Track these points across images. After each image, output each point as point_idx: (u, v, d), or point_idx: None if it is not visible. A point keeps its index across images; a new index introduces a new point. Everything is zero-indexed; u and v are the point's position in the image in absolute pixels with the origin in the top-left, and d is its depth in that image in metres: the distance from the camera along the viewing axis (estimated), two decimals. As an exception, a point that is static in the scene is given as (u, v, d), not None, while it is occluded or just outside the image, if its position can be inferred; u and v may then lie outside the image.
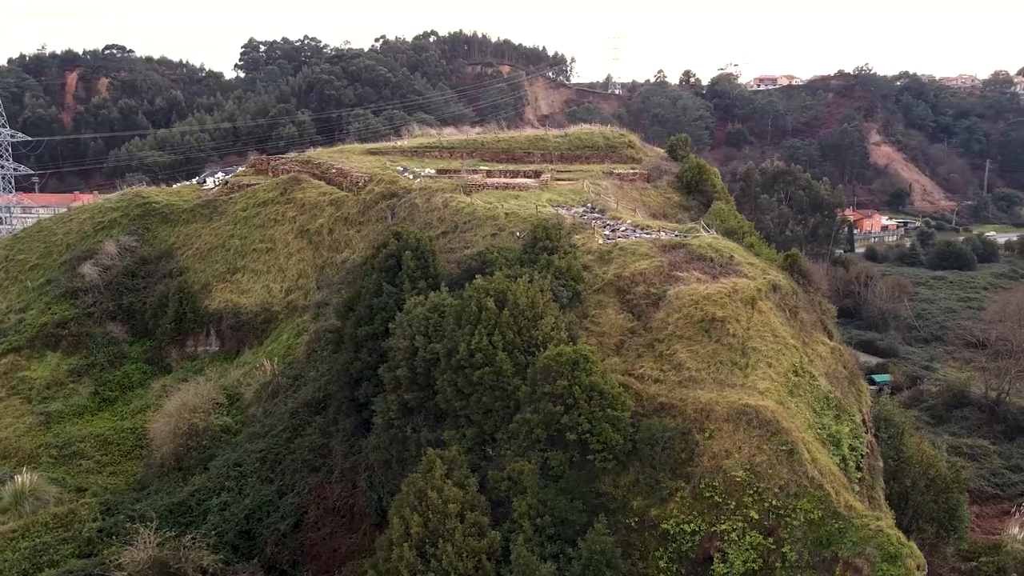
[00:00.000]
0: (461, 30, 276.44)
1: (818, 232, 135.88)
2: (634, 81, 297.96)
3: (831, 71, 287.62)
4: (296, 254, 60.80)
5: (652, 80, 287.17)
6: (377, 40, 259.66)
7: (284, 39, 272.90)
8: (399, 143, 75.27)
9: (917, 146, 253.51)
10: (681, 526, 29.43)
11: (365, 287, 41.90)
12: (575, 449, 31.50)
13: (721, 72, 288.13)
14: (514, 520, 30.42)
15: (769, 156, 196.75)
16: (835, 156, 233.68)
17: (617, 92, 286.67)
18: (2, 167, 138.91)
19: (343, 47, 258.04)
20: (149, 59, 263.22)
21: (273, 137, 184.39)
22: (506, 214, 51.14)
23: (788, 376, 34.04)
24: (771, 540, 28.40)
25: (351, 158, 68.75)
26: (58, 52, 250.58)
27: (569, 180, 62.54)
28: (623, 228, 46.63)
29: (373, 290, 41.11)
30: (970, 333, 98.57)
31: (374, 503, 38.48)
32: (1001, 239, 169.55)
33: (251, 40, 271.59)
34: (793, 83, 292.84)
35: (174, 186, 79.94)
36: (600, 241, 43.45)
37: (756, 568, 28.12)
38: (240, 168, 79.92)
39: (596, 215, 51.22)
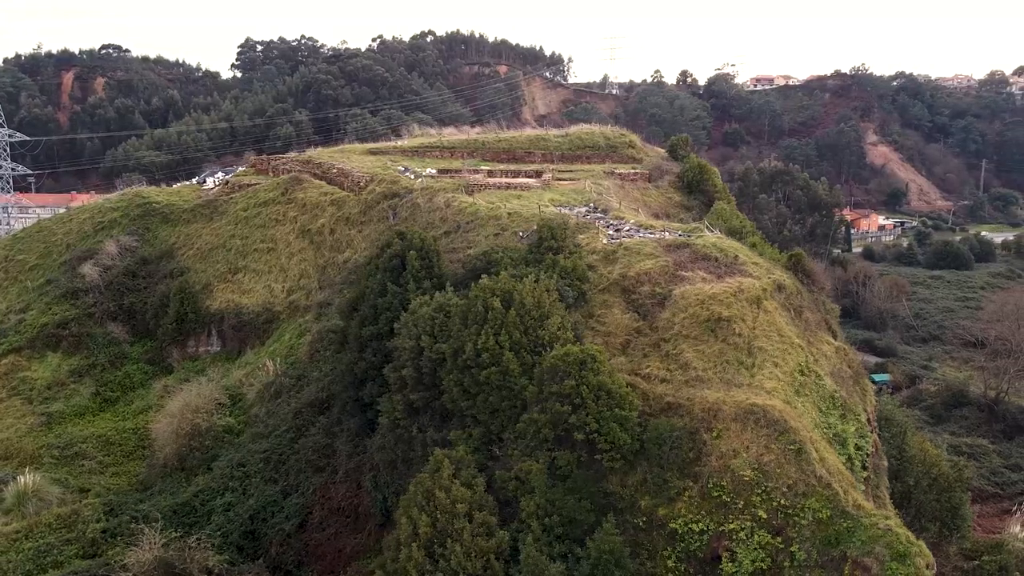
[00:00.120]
0: (458, 30, 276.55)
1: (816, 232, 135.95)
2: (631, 81, 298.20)
3: (828, 71, 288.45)
4: (297, 254, 60.76)
5: (649, 80, 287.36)
6: (374, 40, 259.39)
7: (281, 39, 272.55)
8: (400, 143, 75.30)
9: (913, 146, 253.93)
10: (689, 525, 29.46)
11: (369, 287, 41.88)
12: (582, 449, 31.51)
13: (718, 72, 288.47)
14: (522, 520, 30.42)
15: (766, 156, 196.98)
16: (832, 156, 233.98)
17: (614, 92, 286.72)
18: (0, 167, 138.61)
19: (340, 47, 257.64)
20: (145, 59, 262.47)
21: (270, 137, 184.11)
22: (509, 214, 51.16)
23: (794, 375, 34.10)
24: (779, 539, 28.43)
25: (352, 158, 68.74)
26: (54, 52, 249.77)
27: (570, 180, 62.60)
28: (627, 228, 46.67)
29: (377, 290, 41.09)
30: (969, 333, 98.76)
31: (379, 503, 38.49)
32: (998, 239, 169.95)
33: (248, 40, 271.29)
34: (790, 83, 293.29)
35: (174, 186, 79.79)
36: (604, 241, 43.48)
37: (765, 567, 28.15)
38: (240, 168, 79.82)
39: (599, 215, 51.25)
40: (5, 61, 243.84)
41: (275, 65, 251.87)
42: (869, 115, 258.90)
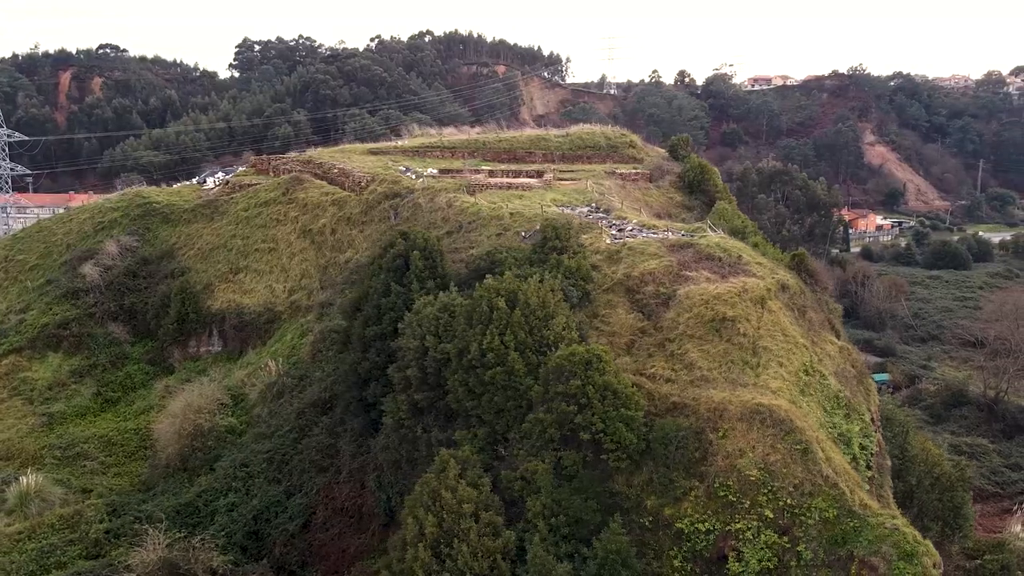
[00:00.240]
0: (456, 30, 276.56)
1: (815, 232, 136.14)
2: (629, 81, 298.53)
3: (825, 71, 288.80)
4: (299, 254, 60.72)
5: (647, 80, 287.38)
6: (372, 40, 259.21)
7: (279, 39, 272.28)
8: (400, 143, 75.26)
9: (911, 146, 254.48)
10: (695, 525, 29.48)
11: (373, 287, 41.84)
12: (588, 449, 31.52)
13: (716, 72, 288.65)
14: (528, 520, 30.42)
15: (764, 156, 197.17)
16: (830, 156, 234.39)
17: (612, 92, 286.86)
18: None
19: (338, 47, 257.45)
20: (143, 59, 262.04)
21: (269, 137, 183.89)
22: (511, 214, 51.16)
23: (799, 375, 34.14)
24: (786, 539, 28.46)
25: (352, 158, 68.70)
26: (51, 51, 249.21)
27: (572, 180, 62.63)
28: (630, 228, 46.69)
29: (381, 290, 41.05)
30: (969, 332, 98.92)
31: (383, 503, 38.44)
32: (995, 239, 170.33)
33: (245, 40, 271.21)
34: (787, 83, 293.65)
35: (174, 186, 79.68)
36: (608, 241, 43.50)
37: (771, 567, 28.17)
38: (241, 168, 79.73)
39: (601, 215, 51.28)
40: (2, 61, 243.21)
41: (273, 65, 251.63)
42: (867, 115, 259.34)
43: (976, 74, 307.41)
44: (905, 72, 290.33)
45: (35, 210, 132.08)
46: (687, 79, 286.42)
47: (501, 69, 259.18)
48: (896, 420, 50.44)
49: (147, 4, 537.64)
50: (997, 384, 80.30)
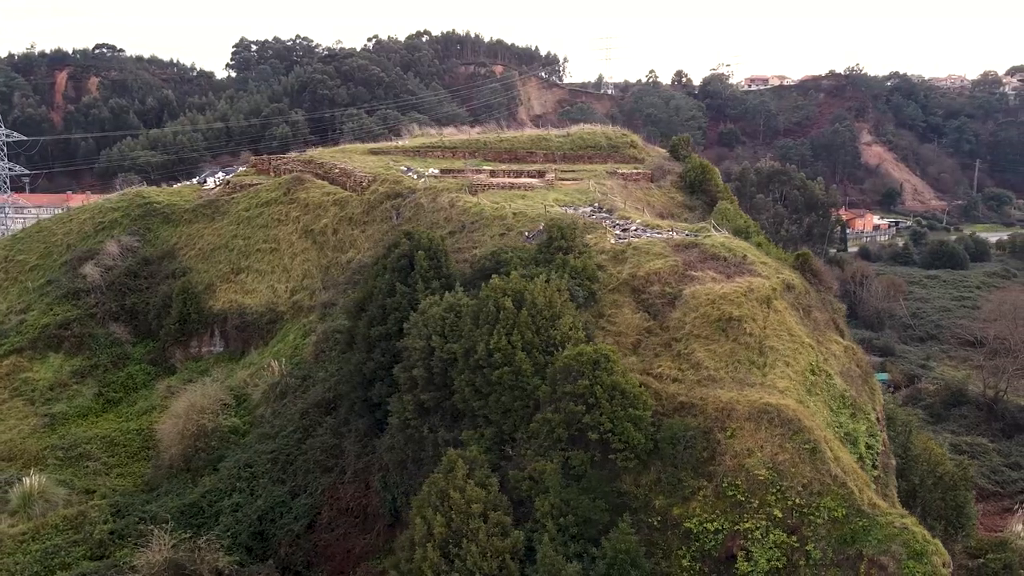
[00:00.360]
0: (454, 30, 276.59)
1: (813, 232, 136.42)
2: (626, 81, 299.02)
3: (822, 71, 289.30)
4: (300, 254, 60.64)
5: (644, 80, 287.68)
6: (370, 40, 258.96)
7: (276, 38, 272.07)
8: (401, 143, 75.20)
9: (908, 146, 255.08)
10: (704, 525, 29.51)
11: (377, 287, 41.79)
12: (596, 448, 31.51)
13: (713, 72, 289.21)
14: (536, 520, 30.41)
15: (761, 156, 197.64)
16: (826, 156, 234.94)
17: (610, 92, 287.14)
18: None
19: (335, 47, 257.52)
20: (140, 58, 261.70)
21: (266, 137, 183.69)
22: (514, 214, 51.19)
23: (805, 375, 34.20)
24: (795, 538, 28.50)
25: (353, 158, 68.62)
26: (47, 51, 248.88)
27: (573, 180, 62.64)
28: (634, 228, 46.72)
29: (386, 290, 41.01)
30: (969, 332, 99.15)
31: (388, 503, 38.43)
32: (992, 238, 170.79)
33: (242, 39, 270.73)
34: (784, 83, 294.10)
35: (175, 186, 79.52)
36: (612, 241, 43.52)
37: (780, 566, 28.21)
38: (241, 168, 79.61)
39: (604, 215, 51.30)
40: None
41: (270, 65, 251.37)
42: (863, 115, 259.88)
43: (972, 74, 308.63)
44: (902, 72, 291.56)
45: (33, 210, 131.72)
46: (684, 79, 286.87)
47: (499, 69, 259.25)
48: (898, 419, 50.57)
49: (144, 4, 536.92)
50: (996, 383, 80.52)
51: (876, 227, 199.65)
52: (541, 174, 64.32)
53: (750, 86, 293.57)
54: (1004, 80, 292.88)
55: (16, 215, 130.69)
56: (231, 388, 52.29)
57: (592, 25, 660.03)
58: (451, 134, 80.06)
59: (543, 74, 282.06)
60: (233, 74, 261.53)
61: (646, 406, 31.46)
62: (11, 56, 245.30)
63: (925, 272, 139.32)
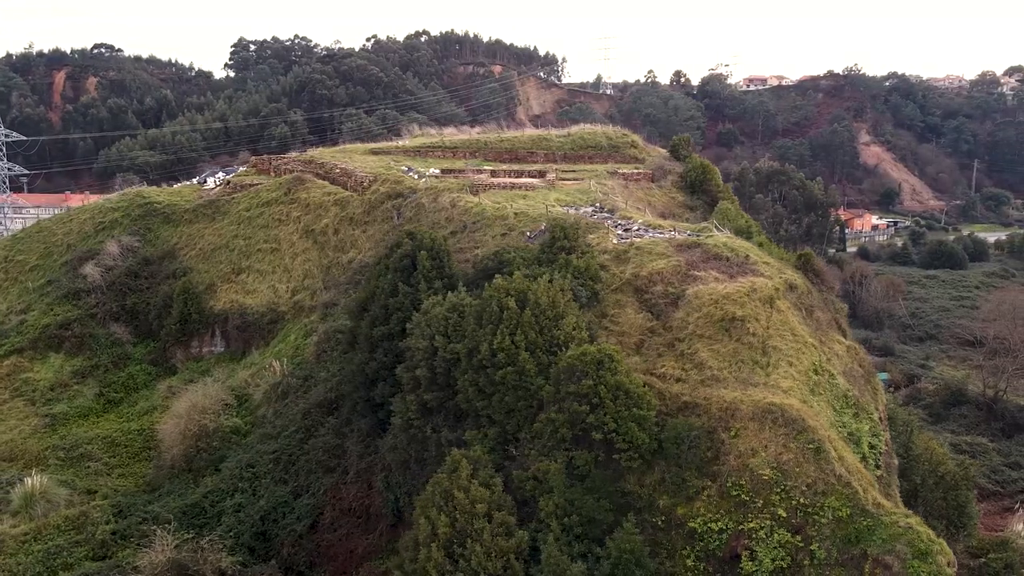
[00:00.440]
0: (452, 30, 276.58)
1: (812, 232, 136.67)
2: (625, 81, 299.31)
3: (820, 71, 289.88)
4: (301, 254, 60.61)
5: (643, 80, 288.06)
6: (368, 40, 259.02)
7: (274, 38, 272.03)
8: (401, 143, 75.19)
9: (906, 146, 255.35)
10: (708, 524, 29.52)
11: (379, 287, 41.77)
12: (600, 448, 31.51)
13: (711, 72, 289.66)
14: (540, 520, 30.41)
15: (760, 156, 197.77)
16: (825, 156, 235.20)
17: (608, 92, 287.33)
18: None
19: (334, 47, 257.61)
20: (138, 58, 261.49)
21: (265, 137, 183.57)
22: (515, 214, 51.19)
23: (809, 375, 34.22)
24: (799, 538, 28.52)
25: (354, 158, 68.61)
26: (45, 51, 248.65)
27: (574, 180, 62.65)
28: (636, 228, 46.72)
29: (388, 290, 40.98)
30: (969, 332, 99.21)
31: (391, 503, 38.42)
32: (991, 238, 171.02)
33: (241, 39, 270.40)
34: (783, 83, 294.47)
35: (175, 186, 79.40)
36: (615, 241, 43.53)
37: (785, 566, 28.23)
38: (242, 168, 79.55)
39: (606, 215, 51.32)
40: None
41: (268, 65, 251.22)
42: (862, 115, 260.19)
43: (970, 74, 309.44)
44: (900, 72, 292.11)
45: (32, 210, 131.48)
46: (683, 79, 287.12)
47: (497, 69, 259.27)
48: (899, 419, 50.59)
49: (143, 4, 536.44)
50: (996, 383, 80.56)
51: (874, 227, 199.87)
52: (542, 174, 64.33)
53: (748, 86, 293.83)
54: (1002, 80, 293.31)
55: (15, 215, 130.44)
56: (232, 388, 52.24)
57: (591, 25, 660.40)
58: (451, 134, 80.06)
59: (542, 74, 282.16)
60: (231, 74, 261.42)
61: (650, 406, 31.48)
62: (9, 56, 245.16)
63: (924, 272, 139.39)
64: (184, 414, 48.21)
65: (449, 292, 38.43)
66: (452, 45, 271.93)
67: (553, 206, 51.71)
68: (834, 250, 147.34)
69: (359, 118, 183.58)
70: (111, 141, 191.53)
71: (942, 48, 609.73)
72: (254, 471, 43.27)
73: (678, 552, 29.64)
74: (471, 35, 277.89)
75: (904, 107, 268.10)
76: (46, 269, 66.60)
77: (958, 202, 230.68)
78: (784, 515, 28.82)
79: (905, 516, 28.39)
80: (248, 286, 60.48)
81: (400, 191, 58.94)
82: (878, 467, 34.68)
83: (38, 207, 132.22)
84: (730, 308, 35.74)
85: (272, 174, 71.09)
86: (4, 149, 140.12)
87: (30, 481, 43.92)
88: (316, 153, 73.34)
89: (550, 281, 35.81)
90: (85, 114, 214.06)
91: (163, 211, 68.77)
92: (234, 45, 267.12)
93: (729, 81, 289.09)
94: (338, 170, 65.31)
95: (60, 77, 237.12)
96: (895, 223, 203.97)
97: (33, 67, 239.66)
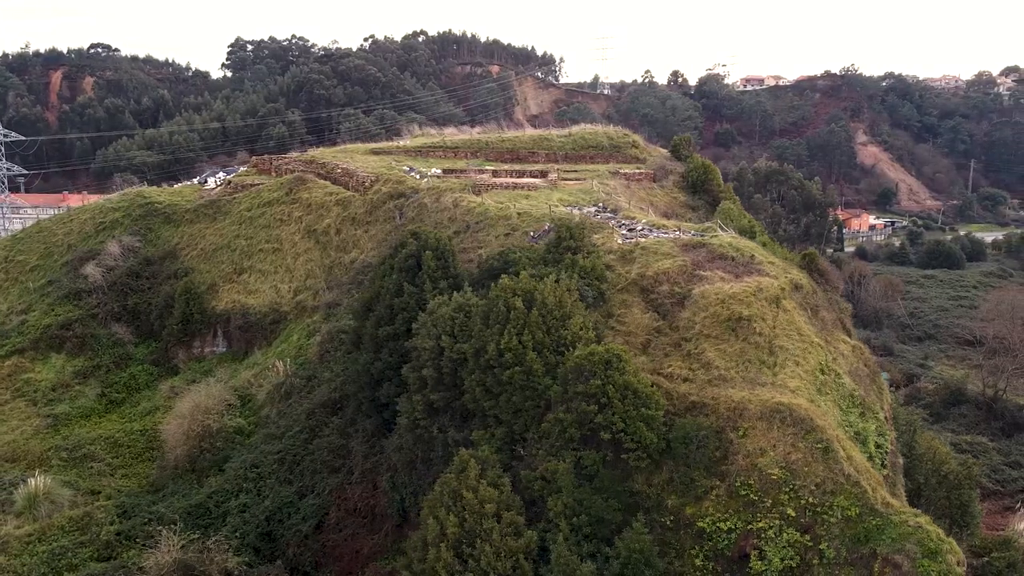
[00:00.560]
0: (450, 30, 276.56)
1: (811, 231, 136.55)
2: (622, 81, 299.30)
3: (817, 71, 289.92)
4: (303, 254, 60.53)
5: (640, 80, 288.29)
6: (366, 40, 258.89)
7: (271, 38, 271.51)
8: (402, 143, 75.12)
9: (903, 146, 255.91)
10: (717, 524, 29.53)
11: (384, 287, 41.75)
12: (608, 448, 31.53)
13: (709, 72, 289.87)
14: (549, 520, 30.42)
15: (757, 156, 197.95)
16: (822, 156, 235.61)
17: (606, 92, 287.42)
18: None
19: (331, 46, 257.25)
20: (135, 58, 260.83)
21: (263, 137, 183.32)
22: (519, 214, 51.19)
23: (815, 374, 34.27)
24: (808, 537, 28.54)
25: (355, 158, 68.53)
26: (42, 51, 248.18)
27: (576, 180, 62.68)
28: (640, 227, 46.76)
29: (393, 290, 40.98)
30: (969, 332, 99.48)
31: (396, 504, 38.36)
32: (988, 238, 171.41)
33: (238, 39, 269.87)
34: (780, 83, 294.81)
35: (175, 186, 79.26)
36: (619, 241, 43.56)
37: (794, 565, 28.25)
38: (242, 168, 79.44)
39: (609, 215, 51.34)
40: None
41: (266, 65, 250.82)
42: (859, 115, 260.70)
43: (967, 74, 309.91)
44: (897, 72, 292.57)
45: (30, 210, 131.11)
46: (680, 79, 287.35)
47: (495, 69, 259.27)
48: (901, 419, 50.69)
49: (141, 3, 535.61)
50: (995, 382, 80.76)
51: (872, 227, 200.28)
52: (544, 174, 64.34)
53: (746, 86, 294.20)
54: (998, 80, 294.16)
55: (13, 215, 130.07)
56: (235, 388, 52.14)
57: (588, 25, 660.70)
58: (452, 134, 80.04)
59: (539, 74, 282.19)
60: (229, 74, 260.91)
61: (658, 406, 31.50)
62: (5, 56, 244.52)
63: (922, 272, 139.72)
64: (187, 414, 48.10)
65: (455, 292, 38.41)
66: (450, 45, 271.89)
67: (556, 206, 51.73)
68: (832, 250, 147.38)
69: (357, 118, 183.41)
70: (108, 141, 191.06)
71: (939, 48, 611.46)
72: (259, 471, 43.18)
73: (687, 552, 29.66)
74: (468, 35, 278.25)
75: (901, 107, 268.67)
76: (47, 269, 66.41)
77: (955, 202, 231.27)
78: (793, 514, 28.85)
79: (914, 515, 28.43)
80: (250, 286, 60.38)
81: (402, 191, 58.90)
82: (884, 466, 34.75)
83: (36, 207, 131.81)
84: (736, 308, 35.78)
85: (273, 174, 70.99)
86: (3, 149, 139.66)
87: (33, 482, 43.73)
88: (317, 153, 73.26)
89: (557, 281, 35.83)
90: (82, 114, 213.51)
91: (164, 211, 68.63)
92: (231, 45, 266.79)
93: (726, 81, 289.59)
94: (339, 170, 65.24)
95: (56, 77, 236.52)
96: (892, 223, 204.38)
97: (29, 67, 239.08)
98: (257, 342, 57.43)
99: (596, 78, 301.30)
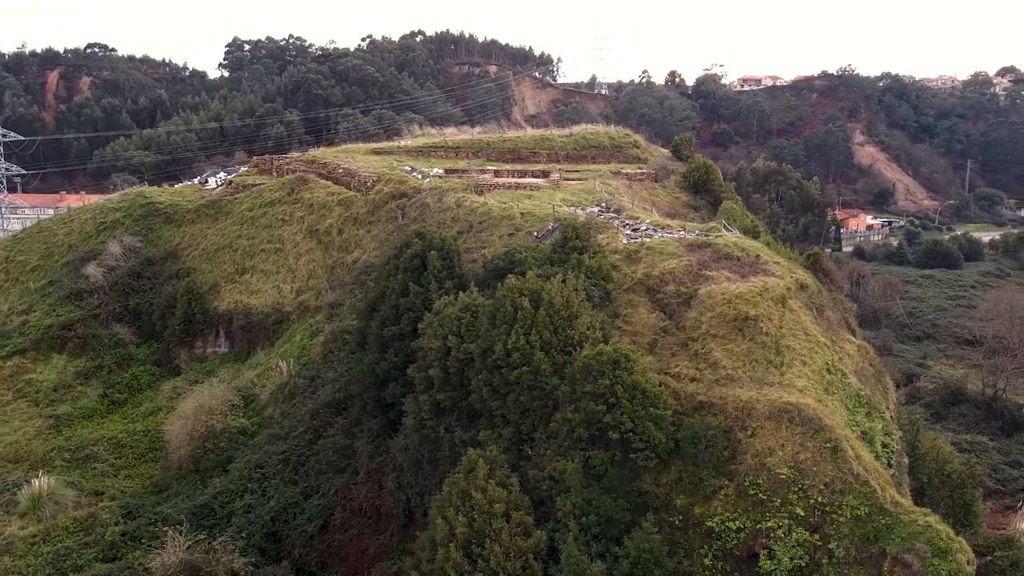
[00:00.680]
0: (448, 30, 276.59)
1: (809, 231, 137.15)
2: (619, 81, 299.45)
3: (814, 71, 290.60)
4: (306, 254, 60.48)
5: (637, 80, 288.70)
6: (363, 40, 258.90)
7: (269, 38, 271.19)
8: (403, 143, 75.14)
9: (900, 146, 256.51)
10: (726, 524, 29.55)
11: (389, 287, 41.69)
12: (616, 448, 31.53)
13: (706, 72, 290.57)
14: (558, 520, 30.41)
15: (755, 156, 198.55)
16: (820, 156, 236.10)
17: (604, 92, 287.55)
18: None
19: (329, 46, 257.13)
20: (132, 58, 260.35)
21: (261, 137, 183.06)
22: (522, 214, 51.21)
23: (822, 374, 34.33)
24: (817, 536, 28.57)
25: (356, 158, 68.52)
26: (38, 51, 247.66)
27: (578, 180, 62.73)
28: (644, 227, 46.79)
29: (399, 290, 40.91)
30: (968, 332, 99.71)
31: (402, 504, 38.33)
32: (985, 238, 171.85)
33: (235, 39, 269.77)
34: (777, 83, 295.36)
35: (176, 186, 79.15)
36: (624, 241, 43.58)
37: (803, 564, 28.27)
38: (243, 168, 79.36)
39: (612, 215, 51.37)
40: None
41: (263, 65, 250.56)
42: (856, 115, 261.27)
43: (963, 75, 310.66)
44: (893, 73, 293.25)
45: (28, 210, 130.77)
46: (677, 79, 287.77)
47: (493, 69, 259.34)
48: (904, 418, 50.80)
49: (140, 3, 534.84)
50: (995, 382, 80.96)
51: (869, 227, 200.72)
52: (545, 174, 64.37)
53: (743, 86, 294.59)
54: (995, 80, 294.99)
55: (11, 215, 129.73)
56: (238, 389, 52.07)
57: (586, 25, 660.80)
58: (453, 134, 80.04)
59: (537, 74, 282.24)
60: (226, 74, 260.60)
61: (667, 405, 31.52)
62: (2, 55, 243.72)
63: (920, 271, 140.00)
64: (191, 415, 48.00)
65: (461, 292, 38.39)
66: (447, 45, 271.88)
67: (559, 206, 51.73)
68: (830, 250, 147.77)
69: (355, 118, 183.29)
70: (105, 141, 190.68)
71: (935, 48, 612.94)
72: (263, 472, 43.12)
73: (696, 551, 29.68)
74: (466, 35, 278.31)
75: (898, 107, 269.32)
76: (47, 269, 66.25)
77: (952, 202, 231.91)
78: (802, 514, 28.89)
79: (924, 515, 28.47)
80: (252, 286, 60.31)
81: (404, 191, 58.88)
82: (890, 466, 34.82)
83: (34, 207, 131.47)
84: (743, 308, 35.82)
85: (274, 174, 70.92)
86: (1, 149, 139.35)
87: (37, 482, 43.63)
88: (318, 153, 73.25)
89: (563, 281, 35.83)
90: (79, 114, 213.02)
91: (165, 211, 68.54)
92: (228, 45, 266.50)
93: (724, 81, 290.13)
94: (341, 170, 65.20)
95: (53, 77, 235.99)
96: (889, 223, 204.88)
97: (26, 67, 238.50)
98: (260, 342, 57.36)
99: (593, 78, 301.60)
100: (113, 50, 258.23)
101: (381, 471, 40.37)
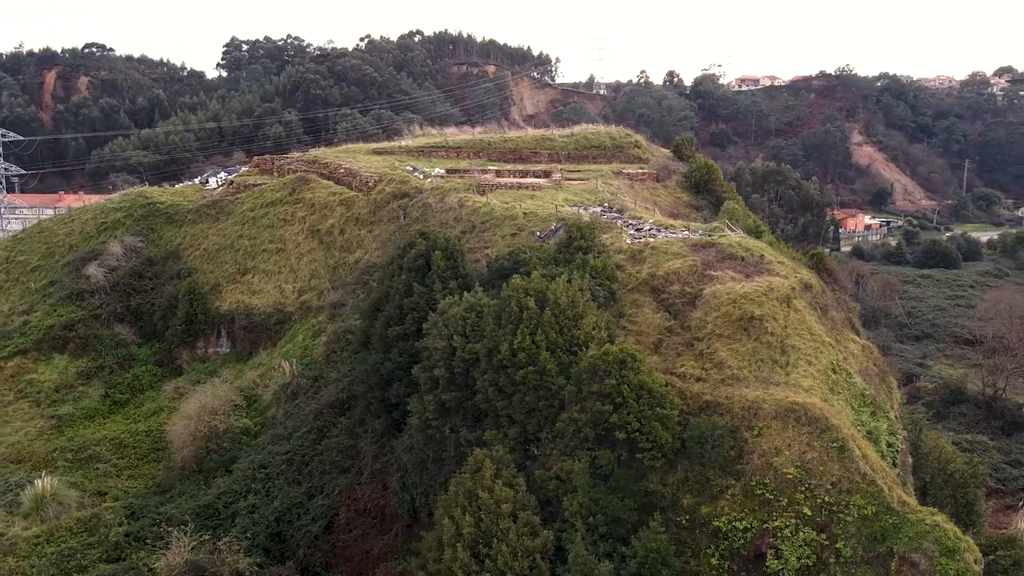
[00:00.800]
0: (446, 30, 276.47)
1: (808, 231, 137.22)
2: (618, 81, 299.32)
3: (812, 72, 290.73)
4: (307, 254, 60.42)
5: (635, 80, 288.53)
6: (362, 40, 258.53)
7: (267, 38, 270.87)
8: (404, 143, 75.09)
9: (898, 146, 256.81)
10: (733, 523, 29.58)
11: (393, 287, 41.67)
12: (623, 448, 31.54)
13: (704, 72, 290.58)
14: (565, 519, 30.41)
15: (753, 156, 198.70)
16: (818, 156, 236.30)
17: (602, 92, 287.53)
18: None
19: (327, 46, 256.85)
20: (129, 58, 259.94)
21: (259, 137, 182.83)
22: (524, 214, 51.18)
23: (827, 374, 34.36)
24: (824, 536, 28.60)
25: (357, 158, 68.46)
26: (36, 50, 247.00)
27: (580, 180, 62.72)
28: (647, 227, 46.79)
29: (403, 290, 40.90)
30: (968, 331, 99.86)
31: (407, 504, 38.32)
32: (983, 238, 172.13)
33: (233, 39, 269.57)
34: (775, 83, 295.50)
35: (177, 186, 79.01)
36: (628, 241, 43.58)
37: (810, 564, 28.30)
38: (243, 168, 79.25)
39: (615, 215, 51.37)
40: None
41: (261, 65, 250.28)
42: (854, 115, 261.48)
43: (961, 75, 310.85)
44: (891, 73, 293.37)
45: (26, 210, 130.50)
46: (676, 79, 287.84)
47: (491, 69, 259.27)
48: (907, 418, 50.85)
49: (137, 3, 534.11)
50: (995, 382, 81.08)
51: (867, 227, 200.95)
52: (547, 174, 64.36)
53: (741, 86, 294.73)
54: (992, 80, 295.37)
55: (10, 215, 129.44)
56: (241, 389, 52.01)
57: (584, 25, 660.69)
58: (454, 134, 79.98)
59: (535, 74, 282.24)
60: (224, 74, 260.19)
61: (673, 405, 31.53)
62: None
63: (918, 271, 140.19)
64: (193, 415, 47.95)
65: (465, 292, 38.37)
66: (446, 45, 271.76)
67: (562, 206, 51.73)
68: (829, 250, 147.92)
69: (354, 118, 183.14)
70: (103, 141, 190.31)
71: (933, 48, 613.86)
72: (267, 472, 43.08)
73: (703, 551, 29.70)
74: (465, 35, 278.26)
75: (895, 107, 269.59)
76: (48, 270, 66.13)
77: (949, 202, 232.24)
78: (809, 513, 28.92)
79: (931, 514, 28.51)
80: (254, 286, 60.25)
81: (406, 191, 58.84)
82: (895, 465, 34.83)
83: (33, 207, 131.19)
84: (748, 307, 35.84)
85: (275, 174, 70.85)
86: (1, 149, 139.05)
87: (40, 483, 43.52)
88: (319, 153, 73.17)
89: (569, 281, 35.83)
90: (77, 114, 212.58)
91: (166, 211, 68.44)
92: (226, 45, 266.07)
93: (722, 81, 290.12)
94: (342, 170, 65.15)
95: (51, 77, 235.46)
96: (888, 223, 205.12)
97: (23, 66, 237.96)
98: (262, 342, 57.31)
99: (592, 78, 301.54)
100: (111, 50, 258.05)
101: (385, 471, 40.34)
